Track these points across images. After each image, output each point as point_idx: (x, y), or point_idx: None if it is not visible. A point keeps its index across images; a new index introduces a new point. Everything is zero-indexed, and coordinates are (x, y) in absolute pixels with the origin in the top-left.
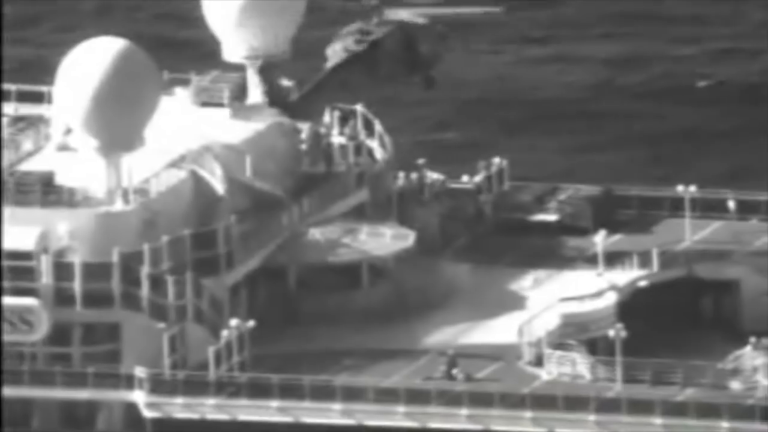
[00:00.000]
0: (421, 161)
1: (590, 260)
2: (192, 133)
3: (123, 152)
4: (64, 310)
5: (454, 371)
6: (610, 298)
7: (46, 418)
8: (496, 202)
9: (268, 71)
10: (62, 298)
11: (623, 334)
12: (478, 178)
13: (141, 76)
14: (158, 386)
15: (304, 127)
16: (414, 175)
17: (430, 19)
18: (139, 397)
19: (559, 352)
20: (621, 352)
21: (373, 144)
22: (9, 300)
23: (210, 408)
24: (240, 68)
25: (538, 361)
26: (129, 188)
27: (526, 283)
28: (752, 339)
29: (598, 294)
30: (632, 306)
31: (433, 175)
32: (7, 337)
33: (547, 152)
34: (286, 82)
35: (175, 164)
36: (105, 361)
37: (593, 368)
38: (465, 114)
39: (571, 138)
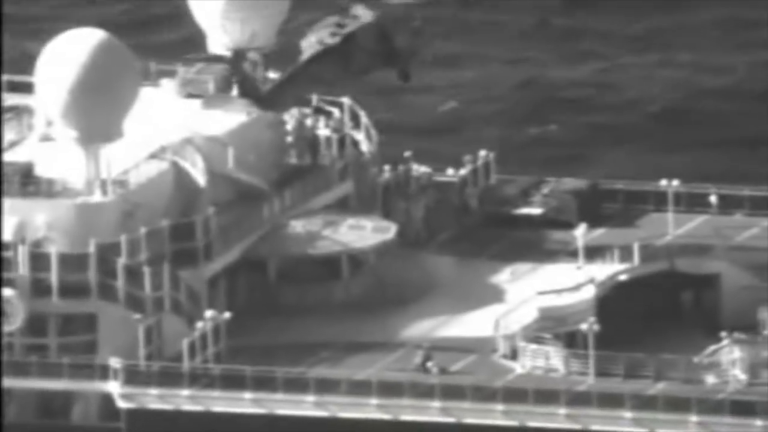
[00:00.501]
0: (407, 154)
1: (573, 254)
2: (175, 125)
3: (102, 143)
4: (41, 301)
5: (429, 364)
6: (589, 292)
7: (22, 409)
8: (482, 195)
9: (238, 62)
10: (39, 288)
11: (596, 327)
12: (463, 171)
13: (119, 67)
14: (133, 377)
15: (290, 119)
16: (400, 168)
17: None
18: (113, 387)
19: (533, 346)
20: (595, 346)
21: (359, 136)
22: None
23: (184, 399)
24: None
25: (513, 355)
26: (108, 179)
27: (503, 276)
28: (724, 333)
29: (577, 287)
30: (612, 300)
31: (420, 168)
32: None
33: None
34: (273, 74)
35: (156, 156)
36: (82, 352)
37: (567, 362)
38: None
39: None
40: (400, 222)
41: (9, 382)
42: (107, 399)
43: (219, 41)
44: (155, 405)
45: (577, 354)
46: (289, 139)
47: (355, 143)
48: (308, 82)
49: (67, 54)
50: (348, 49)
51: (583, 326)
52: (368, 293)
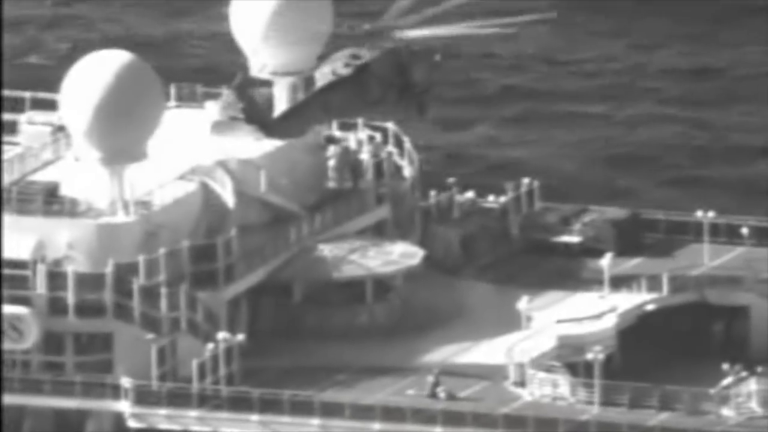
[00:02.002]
0: (451, 180)
1: (613, 283)
2: (211, 146)
3: (125, 164)
4: (58, 320)
5: (438, 389)
6: (610, 321)
7: (37, 426)
8: (523, 222)
9: (245, 88)
10: (56, 307)
11: (601, 357)
12: (504, 198)
13: (144, 88)
14: (143, 397)
15: (333, 144)
16: (443, 194)
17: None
18: (124, 407)
19: (541, 374)
20: (618, 375)
21: (403, 162)
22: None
23: (192, 420)
24: (269, 84)
25: (523, 382)
26: (130, 200)
27: (521, 304)
28: (725, 366)
29: (597, 316)
30: (639, 330)
31: (464, 194)
32: None
33: None
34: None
35: (184, 177)
36: (97, 370)
37: (574, 390)
38: None
39: None
40: (438, 248)
41: (24, 399)
42: (119, 418)
43: (261, 65)
44: (164, 425)
45: (584, 383)
46: (332, 163)
47: (398, 168)
48: (319, 111)
49: (92, 75)
50: (362, 80)
51: (589, 356)
52: (393, 318)
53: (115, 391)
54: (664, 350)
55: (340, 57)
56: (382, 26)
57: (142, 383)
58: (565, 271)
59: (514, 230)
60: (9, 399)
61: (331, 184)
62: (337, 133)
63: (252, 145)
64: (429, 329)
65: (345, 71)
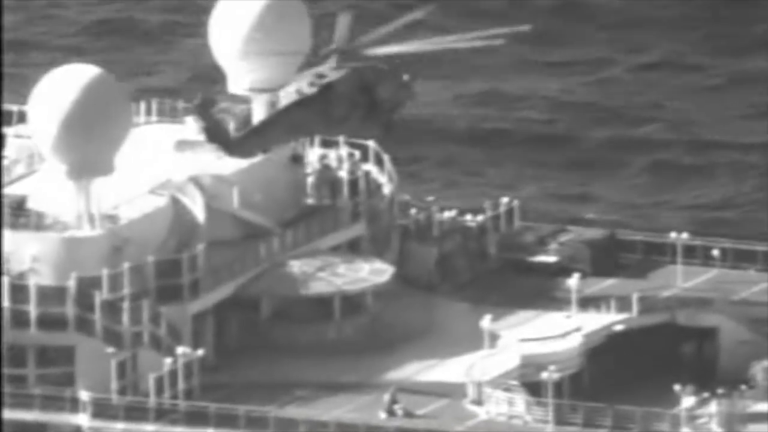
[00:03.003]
0: (430, 198)
1: (583, 302)
2: (184, 162)
3: (92, 177)
4: (20, 332)
5: (395, 406)
6: (574, 340)
7: None
8: (501, 241)
9: (206, 107)
10: (18, 320)
11: (555, 377)
12: (481, 218)
13: (111, 102)
14: (101, 410)
15: (313, 162)
16: (422, 212)
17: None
18: (83, 420)
19: (497, 392)
20: (573, 395)
21: (383, 179)
22: None
23: None
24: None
25: (480, 401)
26: (97, 214)
27: (485, 322)
28: (677, 387)
29: (562, 335)
30: (608, 350)
31: (444, 213)
32: None
33: None
34: None
35: (155, 191)
36: (60, 383)
37: (529, 409)
38: None
39: None
40: (414, 266)
41: None
42: (78, 431)
43: (238, 81)
44: None
45: (539, 402)
46: (310, 180)
47: (378, 186)
48: (283, 131)
49: (59, 88)
50: (327, 99)
51: (543, 375)
52: (361, 335)
53: (74, 405)
54: (634, 371)
55: (305, 76)
56: (349, 45)
57: (100, 397)
58: (540, 290)
59: (491, 249)
60: None
61: (310, 201)
62: (304, 151)
63: (227, 161)
64: (397, 346)
65: (309, 90)
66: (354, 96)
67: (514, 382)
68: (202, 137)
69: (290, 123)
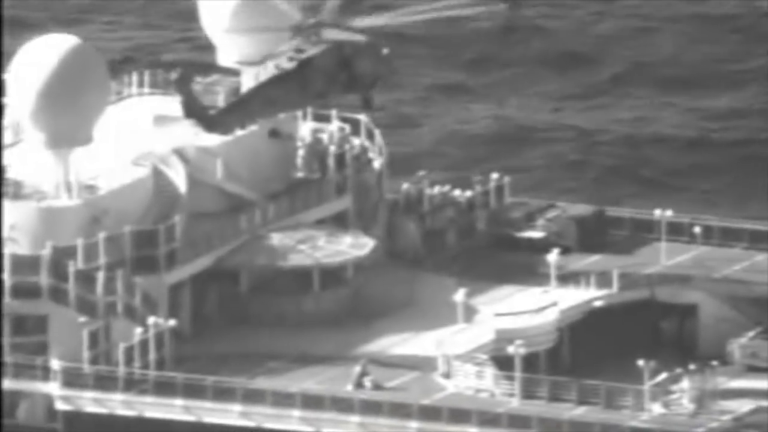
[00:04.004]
0: (421, 173)
1: (563, 278)
2: (169, 133)
3: (70, 147)
4: None
5: (364, 379)
6: (550, 315)
7: None
8: (490, 217)
9: (184, 82)
10: None
11: (522, 351)
12: (470, 193)
13: (89, 72)
14: (71, 380)
15: (305, 135)
16: (412, 186)
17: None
18: (53, 389)
19: (466, 366)
20: (551, 370)
21: (372, 154)
22: None
23: (118, 404)
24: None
25: (449, 374)
26: (74, 183)
27: (458, 296)
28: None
29: (537, 310)
30: (586, 326)
31: (435, 188)
32: None
33: None
34: None
35: (137, 162)
36: (34, 352)
37: (497, 383)
38: None
39: None
40: (400, 240)
41: None
42: (50, 400)
43: (228, 55)
44: (91, 408)
45: (507, 376)
46: (301, 152)
47: (369, 161)
48: (261, 106)
49: (37, 58)
50: (305, 74)
51: (510, 349)
52: (340, 308)
53: (45, 373)
54: (614, 347)
55: (284, 51)
56: (333, 18)
57: (71, 366)
58: (525, 266)
59: (480, 225)
60: None
61: (300, 175)
62: (296, 125)
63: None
64: (376, 319)
65: (288, 65)
66: (332, 71)
67: (483, 356)
68: (179, 112)
69: (268, 98)
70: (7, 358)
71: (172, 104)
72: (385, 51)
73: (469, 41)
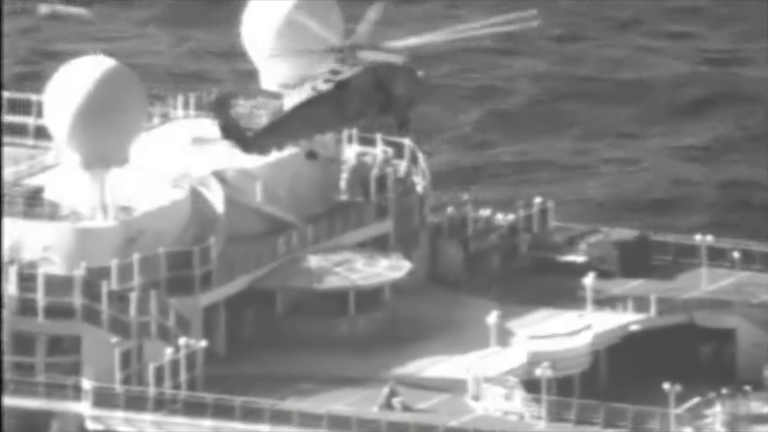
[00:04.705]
0: (465, 197)
1: (602, 302)
2: (207, 155)
3: (106, 168)
4: (28, 320)
5: (394, 400)
6: (584, 338)
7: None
8: (532, 240)
9: (222, 104)
10: (26, 308)
11: (549, 373)
12: (512, 217)
13: (125, 94)
14: (102, 399)
15: (349, 158)
16: (455, 210)
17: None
18: (85, 409)
19: (496, 388)
20: (556, 392)
21: (417, 178)
22: None
23: (148, 424)
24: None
25: (479, 396)
26: (110, 204)
27: (490, 318)
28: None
29: (571, 334)
30: (624, 349)
31: (479, 212)
32: None
33: None
34: None
35: (175, 183)
36: (67, 372)
37: (525, 405)
38: None
39: None
40: (442, 263)
41: None
42: (81, 420)
43: (270, 79)
44: (122, 428)
45: (535, 398)
46: (344, 176)
47: (412, 184)
48: (298, 128)
49: (74, 80)
50: (341, 96)
51: (537, 372)
52: (375, 330)
53: (77, 393)
54: (651, 371)
55: (320, 73)
56: (364, 42)
57: (102, 386)
58: (564, 290)
59: (522, 248)
60: None
61: (343, 198)
62: (342, 149)
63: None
64: (411, 342)
65: (324, 87)
66: (368, 92)
67: (513, 379)
68: (218, 134)
69: (305, 120)
70: (40, 378)
71: (212, 126)
72: (420, 73)
73: None
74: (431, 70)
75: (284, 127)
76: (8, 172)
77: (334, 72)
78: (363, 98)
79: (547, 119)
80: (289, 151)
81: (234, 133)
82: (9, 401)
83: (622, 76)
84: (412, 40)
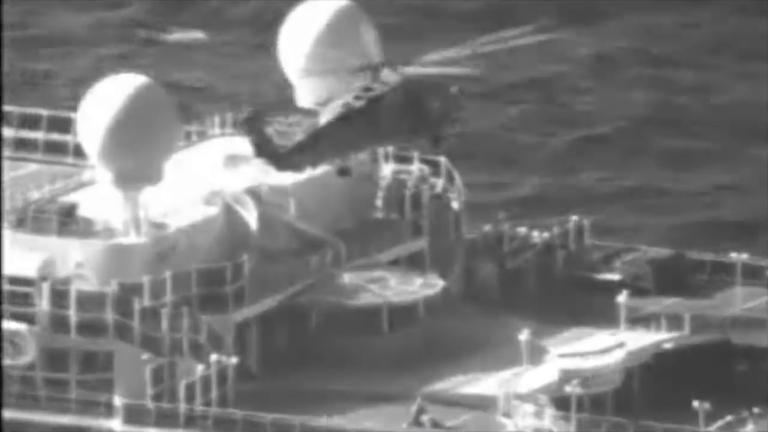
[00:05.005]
0: (501, 215)
1: (636, 320)
2: (240, 173)
3: (139, 186)
4: (61, 337)
5: (423, 417)
6: (616, 356)
7: None
8: (568, 258)
9: (254, 122)
10: (59, 324)
11: (578, 390)
12: (547, 234)
13: (158, 112)
14: (133, 416)
15: (385, 175)
16: (491, 228)
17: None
18: (116, 425)
19: (525, 405)
20: (589, 409)
21: (453, 195)
22: None
23: None
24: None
25: (510, 413)
26: (142, 221)
27: (522, 336)
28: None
29: (603, 351)
30: (658, 367)
31: (515, 229)
32: None
33: None
34: None
35: (209, 200)
36: (100, 388)
37: (555, 422)
38: None
39: None
40: (477, 281)
41: (21, 415)
42: None
43: (305, 96)
44: None
45: (565, 416)
46: (380, 193)
47: (448, 201)
48: (330, 145)
49: (107, 97)
50: (374, 113)
51: (567, 389)
52: (408, 347)
53: (108, 410)
54: (686, 389)
55: (351, 90)
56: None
57: (132, 402)
58: (599, 308)
59: (558, 266)
60: (7, 414)
61: (379, 216)
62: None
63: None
64: (444, 359)
65: (357, 104)
66: (401, 109)
67: (543, 396)
68: (251, 152)
69: (337, 137)
70: (72, 394)
71: (245, 144)
72: (453, 89)
73: None
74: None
75: (316, 145)
76: (45, 190)
77: (366, 89)
78: (396, 115)
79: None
80: (323, 167)
81: (266, 150)
82: (41, 417)
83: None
84: (448, 53)
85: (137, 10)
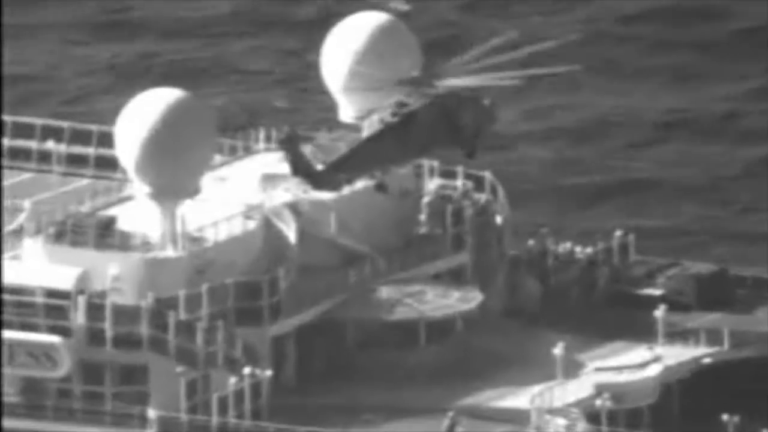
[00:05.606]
0: (544, 230)
1: (676, 335)
2: (285, 189)
3: (176, 200)
4: (97, 350)
5: (456, 430)
6: (652, 371)
7: None
8: (611, 274)
9: (292, 141)
10: (95, 338)
11: (608, 404)
12: (590, 250)
13: (195, 125)
14: (167, 429)
15: (429, 190)
16: (535, 243)
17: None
18: None
19: (557, 420)
20: (625, 424)
21: (495, 210)
22: (35, 336)
23: None
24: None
25: (542, 427)
26: (179, 235)
27: (557, 350)
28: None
29: (639, 366)
30: (696, 382)
31: (560, 245)
32: (32, 372)
33: None
34: None
35: (248, 215)
36: (135, 401)
37: None
38: None
39: None
40: (519, 296)
41: (57, 427)
42: None
43: (347, 111)
44: None
45: (597, 430)
46: (424, 209)
47: (492, 216)
48: (366, 161)
49: (145, 111)
50: (408, 127)
51: (597, 402)
52: (445, 362)
53: (142, 422)
54: (724, 404)
55: (387, 105)
56: (427, 75)
57: (166, 415)
58: (640, 323)
59: (601, 282)
60: (43, 426)
61: (422, 230)
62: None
63: None
64: (480, 374)
65: (391, 119)
66: (435, 123)
67: (576, 410)
68: (287, 170)
69: (373, 153)
70: (108, 407)
71: (283, 162)
72: (486, 102)
73: None
74: None
75: (352, 162)
76: (86, 205)
77: (401, 104)
78: (430, 129)
79: None
80: (364, 183)
81: (303, 169)
82: (76, 430)
83: None
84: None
85: None
